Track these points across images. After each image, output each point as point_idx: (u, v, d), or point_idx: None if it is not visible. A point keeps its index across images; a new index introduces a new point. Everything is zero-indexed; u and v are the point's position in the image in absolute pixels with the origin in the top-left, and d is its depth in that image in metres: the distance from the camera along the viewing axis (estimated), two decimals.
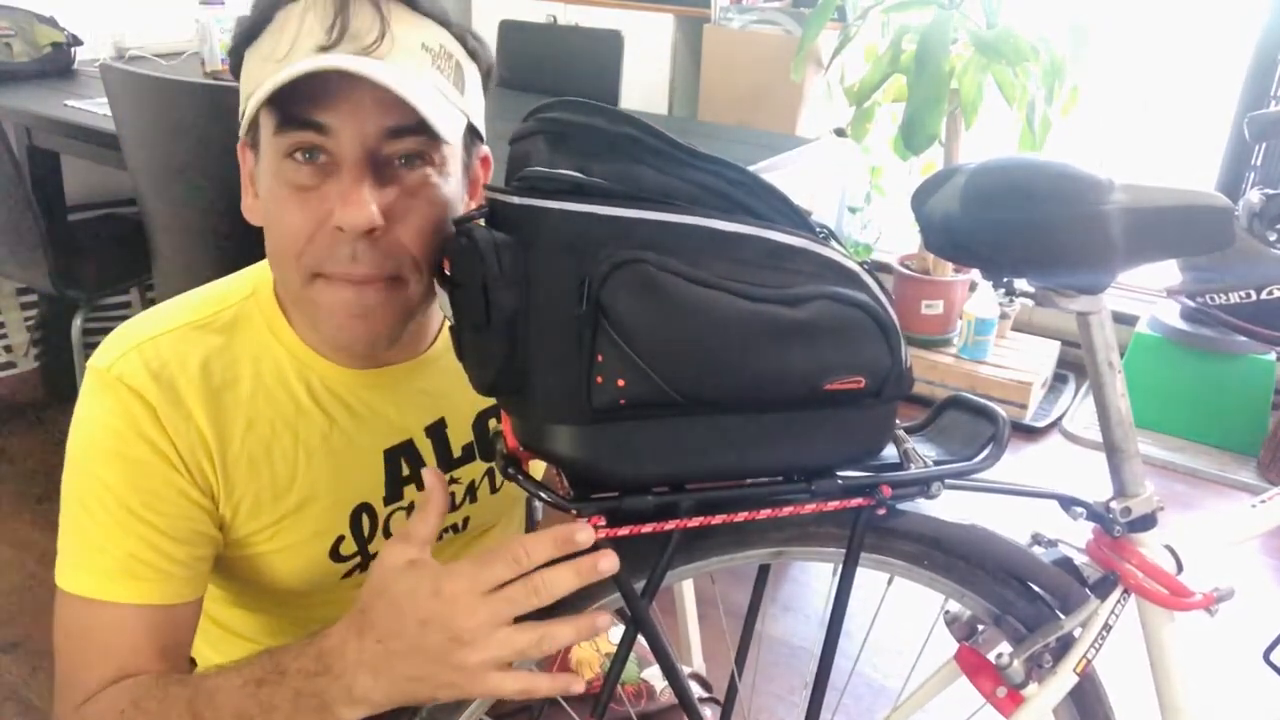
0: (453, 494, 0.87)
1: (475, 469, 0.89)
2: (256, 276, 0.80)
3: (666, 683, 1.02)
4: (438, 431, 0.85)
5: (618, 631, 1.05)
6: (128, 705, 0.69)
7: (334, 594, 0.85)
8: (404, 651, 0.60)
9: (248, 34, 0.70)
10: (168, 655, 0.74)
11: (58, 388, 2.55)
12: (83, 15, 2.53)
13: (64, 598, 0.73)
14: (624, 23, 2.94)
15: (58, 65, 2.43)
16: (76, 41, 2.47)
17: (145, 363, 0.73)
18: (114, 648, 0.72)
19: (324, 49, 0.65)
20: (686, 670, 1.08)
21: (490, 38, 2.86)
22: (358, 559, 0.83)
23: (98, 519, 0.72)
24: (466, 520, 0.90)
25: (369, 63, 0.64)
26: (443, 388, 0.84)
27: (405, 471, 0.84)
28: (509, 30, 2.84)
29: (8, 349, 2.56)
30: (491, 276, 0.56)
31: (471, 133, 0.75)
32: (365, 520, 0.83)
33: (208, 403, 0.74)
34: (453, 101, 0.70)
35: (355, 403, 0.80)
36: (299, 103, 0.65)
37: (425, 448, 0.85)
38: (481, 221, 0.62)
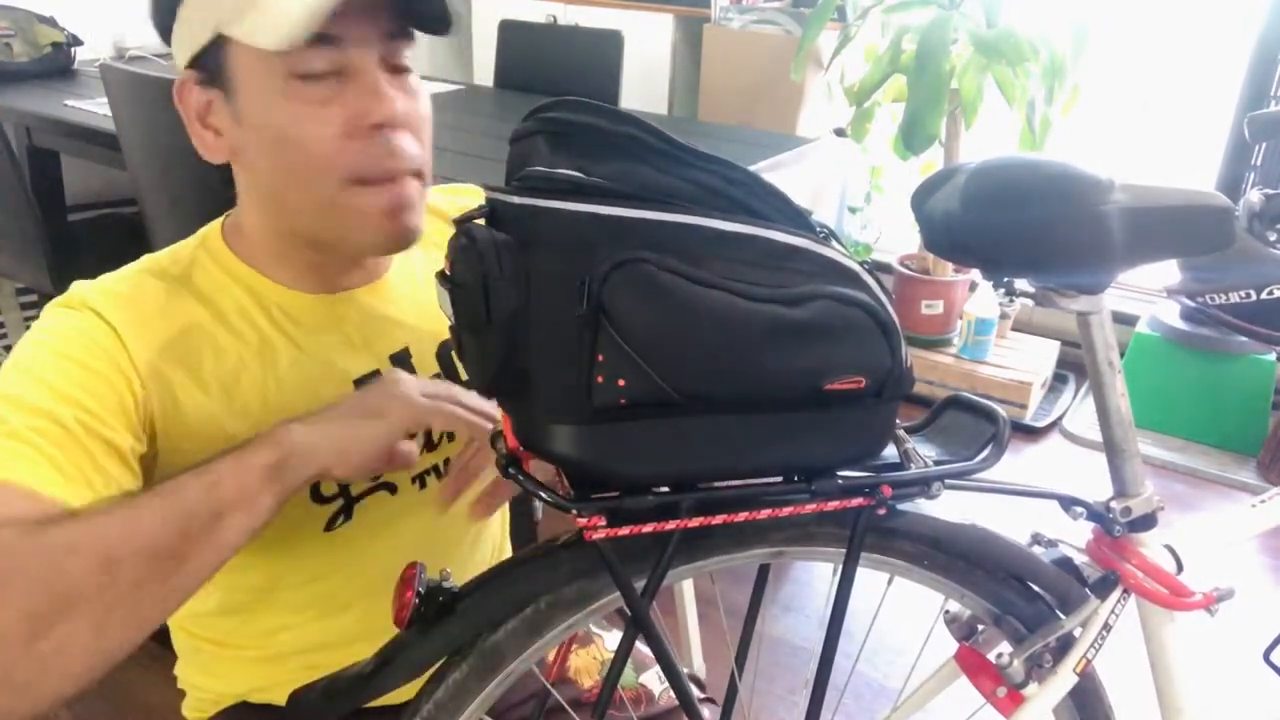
0: (428, 431, 0.87)
1: None
2: (203, 233, 0.82)
3: (664, 686, 1.02)
4: (403, 361, 0.85)
5: (616, 638, 1.05)
6: (25, 526, 0.58)
7: (320, 553, 0.84)
8: (339, 411, 0.71)
9: None
10: None
11: None
12: (83, 15, 2.53)
13: None
14: (624, 23, 2.94)
15: (58, 65, 2.43)
16: (76, 41, 2.47)
17: (108, 294, 0.74)
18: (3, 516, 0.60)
19: None
20: (684, 672, 1.08)
21: (490, 38, 2.87)
22: (339, 501, 0.83)
23: (22, 407, 0.65)
24: (447, 462, 0.89)
25: None
26: (402, 316, 0.85)
27: None
28: (509, 30, 2.84)
29: (8, 349, 2.56)
30: (492, 276, 0.56)
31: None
32: None
33: (168, 330, 0.74)
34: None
35: (318, 328, 0.81)
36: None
37: None
38: (482, 221, 0.62)
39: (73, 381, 0.68)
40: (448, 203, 0.93)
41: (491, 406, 0.74)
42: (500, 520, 1.03)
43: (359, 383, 0.82)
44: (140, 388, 0.71)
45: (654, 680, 1.02)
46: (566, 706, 0.87)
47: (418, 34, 0.74)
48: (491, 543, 1.01)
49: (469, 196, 0.96)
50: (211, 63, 0.72)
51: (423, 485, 0.88)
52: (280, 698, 0.88)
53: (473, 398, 0.74)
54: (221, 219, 0.82)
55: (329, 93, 0.70)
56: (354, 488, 0.84)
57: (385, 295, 0.85)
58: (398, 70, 0.73)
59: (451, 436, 0.90)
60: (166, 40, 0.76)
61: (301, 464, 0.67)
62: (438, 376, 0.88)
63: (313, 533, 0.83)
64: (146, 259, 0.80)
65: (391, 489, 0.86)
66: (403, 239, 0.76)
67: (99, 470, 0.66)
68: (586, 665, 1.01)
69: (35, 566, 0.57)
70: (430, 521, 0.88)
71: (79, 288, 0.75)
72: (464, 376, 0.89)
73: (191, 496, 0.63)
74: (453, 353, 0.87)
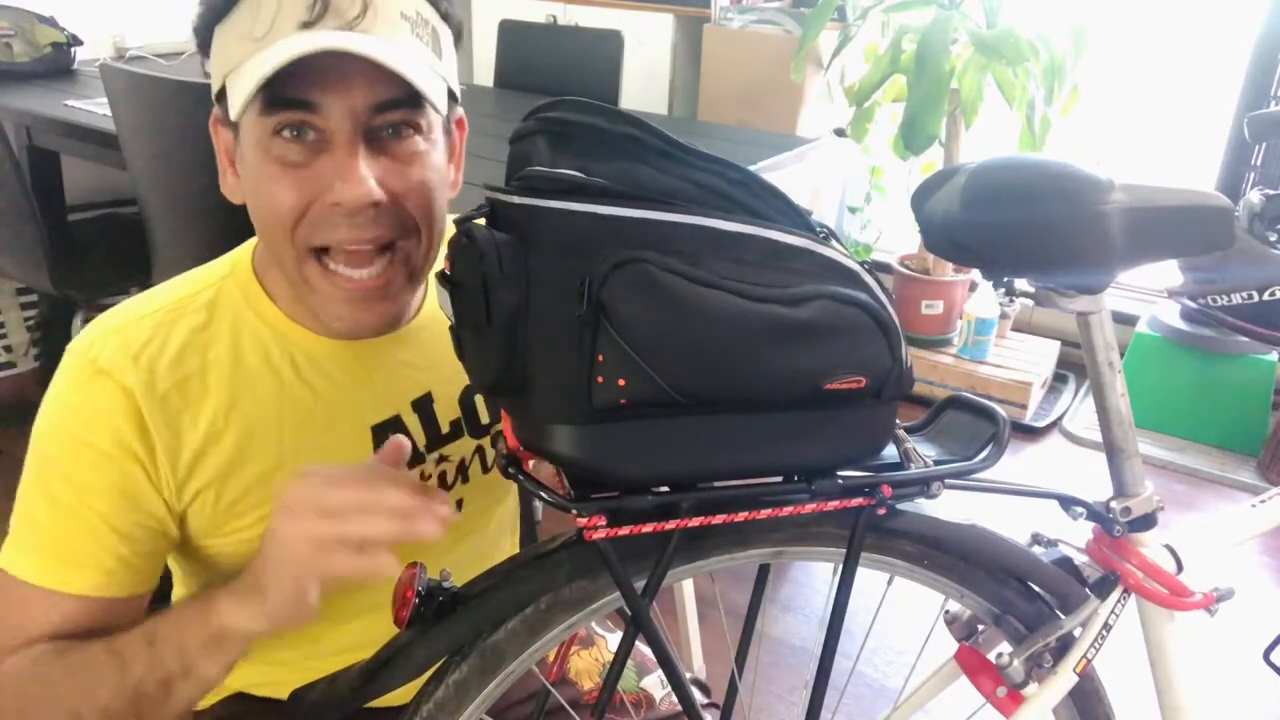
0: (444, 473, 0.87)
1: (465, 445, 0.88)
2: (234, 257, 0.80)
3: (665, 691, 1.02)
4: (424, 407, 0.85)
5: (617, 640, 1.05)
6: (43, 655, 0.70)
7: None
8: (253, 577, 0.67)
9: (218, 10, 0.70)
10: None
11: None
12: (83, 15, 2.53)
13: (2, 577, 0.73)
14: (624, 23, 2.94)
15: (58, 65, 2.43)
16: (76, 41, 2.47)
17: (125, 345, 0.73)
18: (39, 626, 0.72)
19: (306, 25, 0.66)
20: (686, 676, 1.08)
21: (490, 38, 2.87)
22: None
23: (45, 503, 0.72)
24: (460, 502, 0.89)
25: (357, 38, 0.65)
26: (427, 361, 0.84)
27: None
28: (509, 30, 2.84)
29: (8, 349, 2.56)
30: (492, 276, 0.56)
31: (449, 96, 0.76)
32: None
33: (188, 385, 0.74)
34: (433, 68, 0.71)
35: (339, 375, 0.80)
36: (286, 82, 0.65)
37: (413, 423, 0.84)
38: (482, 221, 0.62)
39: (84, 467, 0.71)
40: None
41: (414, 495, 0.64)
42: (510, 542, 1.03)
43: (377, 430, 0.82)
44: (148, 457, 0.73)
45: (656, 685, 1.02)
46: (567, 707, 0.87)
47: None
48: (507, 545, 1.01)
49: None
50: (226, 105, 0.71)
51: None
52: (277, 692, 0.88)
53: (391, 495, 0.64)
54: (253, 245, 0.80)
55: (303, 158, 0.68)
56: None
57: (412, 340, 0.83)
58: (395, 136, 0.70)
59: (466, 477, 0.89)
60: (207, 59, 0.75)
61: (236, 639, 0.68)
62: (458, 421, 0.87)
63: None
64: (173, 288, 0.78)
65: None
66: (375, 327, 0.74)
67: (119, 555, 0.73)
68: (588, 667, 1.01)
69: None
70: (436, 543, 0.88)
71: (92, 337, 0.74)
72: (484, 420, 0.88)
73: (139, 671, 0.68)
74: (476, 395, 0.87)
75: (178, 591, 0.87)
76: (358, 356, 0.80)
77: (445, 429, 0.86)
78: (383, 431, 0.82)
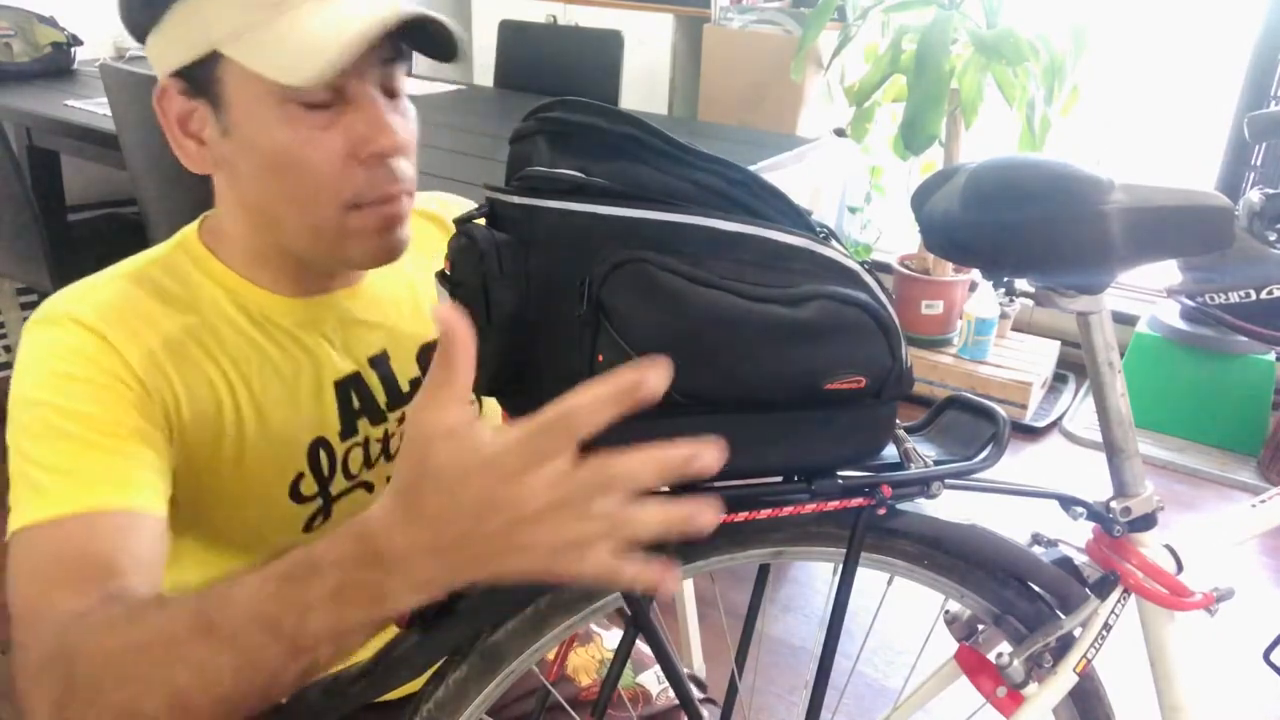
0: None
1: None
2: (178, 235, 0.81)
3: (662, 687, 1.02)
4: (382, 365, 0.85)
5: (614, 637, 1.05)
6: (120, 617, 0.57)
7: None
8: (463, 535, 0.49)
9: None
10: (143, 570, 0.64)
11: None
12: (83, 15, 2.53)
13: (16, 540, 0.64)
14: (624, 23, 2.94)
15: (58, 65, 2.43)
16: (76, 41, 2.47)
17: (84, 299, 0.73)
18: (84, 564, 0.62)
19: None
20: (684, 672, 1.08)
21: (490, 38, 2.87)
22: (318, 501, 0.82)
23: (44, 443, 0.66)
24: None
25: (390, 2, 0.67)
26: (380, 319, 0.84)
27: (356, 404, 0.83)
28: (509, 30, 2.84)
29: (8, 349, 2.55)
30: (492, 276, 0.57)
31: None
32: (323, 457, 0.82)
33: (151, 330, 0.73)
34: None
35: (296, 330, 0.80)
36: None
37: (372, 380, 0.84)
38: (482, 221, 0.62)
39: (79, 398, 0.68)
40: (432, 205, 0.93)
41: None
42: None
43: (339, 385, 0.82)
44: (143, 390, 0.71)
45: (652, 681, 1.02)
46: (566, 705, 0.87)
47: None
48: None
49: (443, 205, 0.96)
50: (200, 75, 0.71)
51: None
52: None
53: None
54: (197, 221, 0.82)
55: (328, 119, 0.69)
56: (334, 486, 0.83)
57: (365, 298, 0.84)
58: (393, 94, 0.73)
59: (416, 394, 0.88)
60: (140, 39, 0.75)
61: (376, 604, 0.53)
62: (418, 379, 0.86)
63: (293, 533, 0.82)
64: (122, 264, 0.79)
65: (369, 488, 0.85)
66: (394, 253, 0.76)
67: (137, 466, 0.68)
68: (585, 663, 1.01)
69: (110, 697, 0.54)
70: None
71: (57, 302, 0.73)
72: None
73: (272, 663, 0.54)
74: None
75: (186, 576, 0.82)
76: (314, 312, 0.81)
77: (405, 388, 0.86)
78: (344, 388, 0.82)
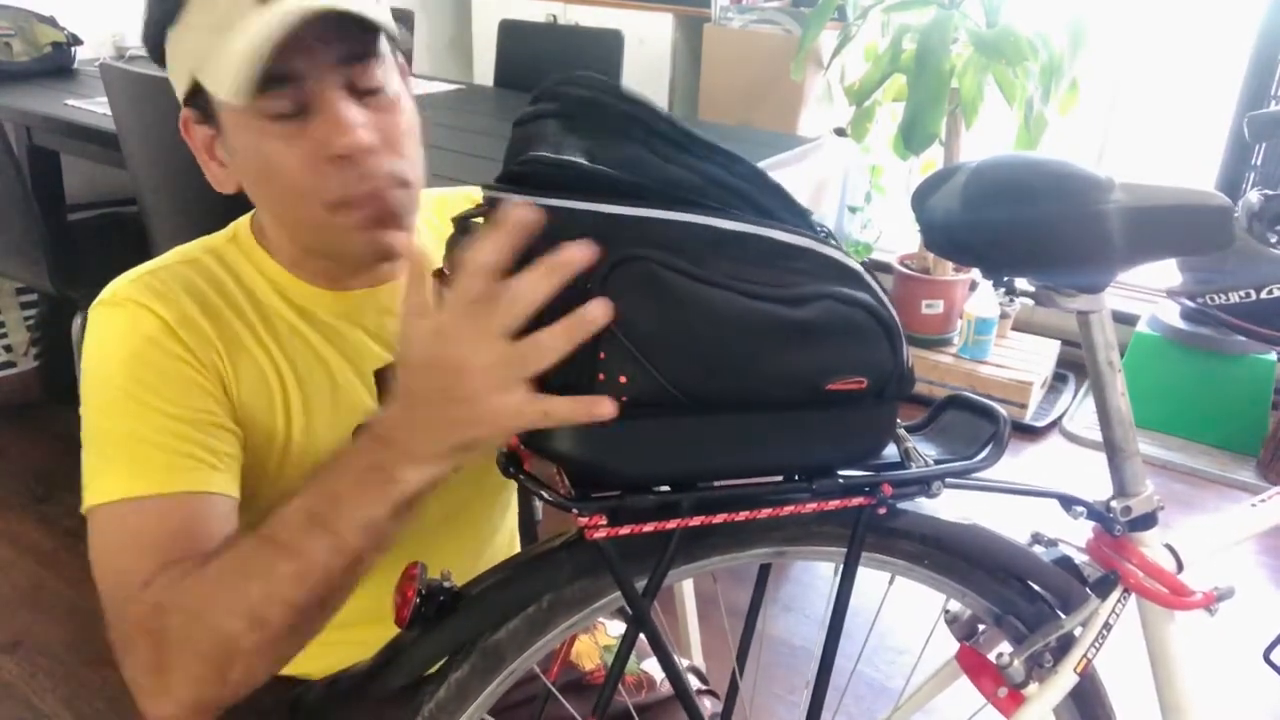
0: None
1: None
2: (233, 228, 0.84)
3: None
4: (394, 376, 0.85)
5: (618, 626, 1.05)
6: (196, 565, 0.65)
7: None
8: (433, 402, 0.58)
9: (168, 11, 0.71)
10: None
11: (58, 388, 2.55)
12: (83, 15, 2.53)
13: (95, 515, 0.70)
14: (624, 23, 2.94)
15: (58, 65, 2.43)
16: (76, 41, 2.47)
17: (148, 286, 0.76)
18: (159, 540, 0.68)
19: (262, 1, 0.67)
20: (685, 664, 1.08)
21: (490, 38, 2.87)
22: None
23: (120, 423, 0.72)
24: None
25: None
26: None
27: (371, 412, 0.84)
28: (509, 30, 2.84)
29: (8, 349, 2.56)
30: None
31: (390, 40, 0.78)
32: None
33: (211, 320, 0.77)
34: (379, 14, 0.72)
35: (336, 322, 0.82)
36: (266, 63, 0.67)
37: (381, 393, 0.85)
38: (481, 220, 0.62)
39: (151, 380, 0.72)
40: (458, 202, 0.93)
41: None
42: (508, 537, 1.03)
43: (378, 374, 0.84)
44: (207, 372, 0.75)
45: (656, 668, 1.02)
46: (564, 702, 0.87)
47: (417, 35, 0.74)
48: (506, 538, 1.01)
49: (471, 201, 0.96)
50: (200, 102, 0.73)
51: None
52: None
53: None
54: (250, 214, 0.84)
55: (296, 128, 0.70)
56: None
57: (393, 296, 0.85)
58: (368, 91, 0.72)
59: None
60: (161, 66, 0.77)
61: (418, 488, 0.62)
62: None
63: None
64: (178, 251, 0.82)
65: None
66: (391, 248, 0.76)
67: (210, 448, 0.73)
68: (588, 649, 1.01)
69: (199, 627, 0.63)
70: (436, 520, 0.88)
71: (120, 286, 0.77)
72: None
73: (320, 558, 0.62)
74: None
75: None
76: (354, 305, 0.83)
77: None
78: (384, 377, 0.84)
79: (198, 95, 0.73)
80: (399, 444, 0.61)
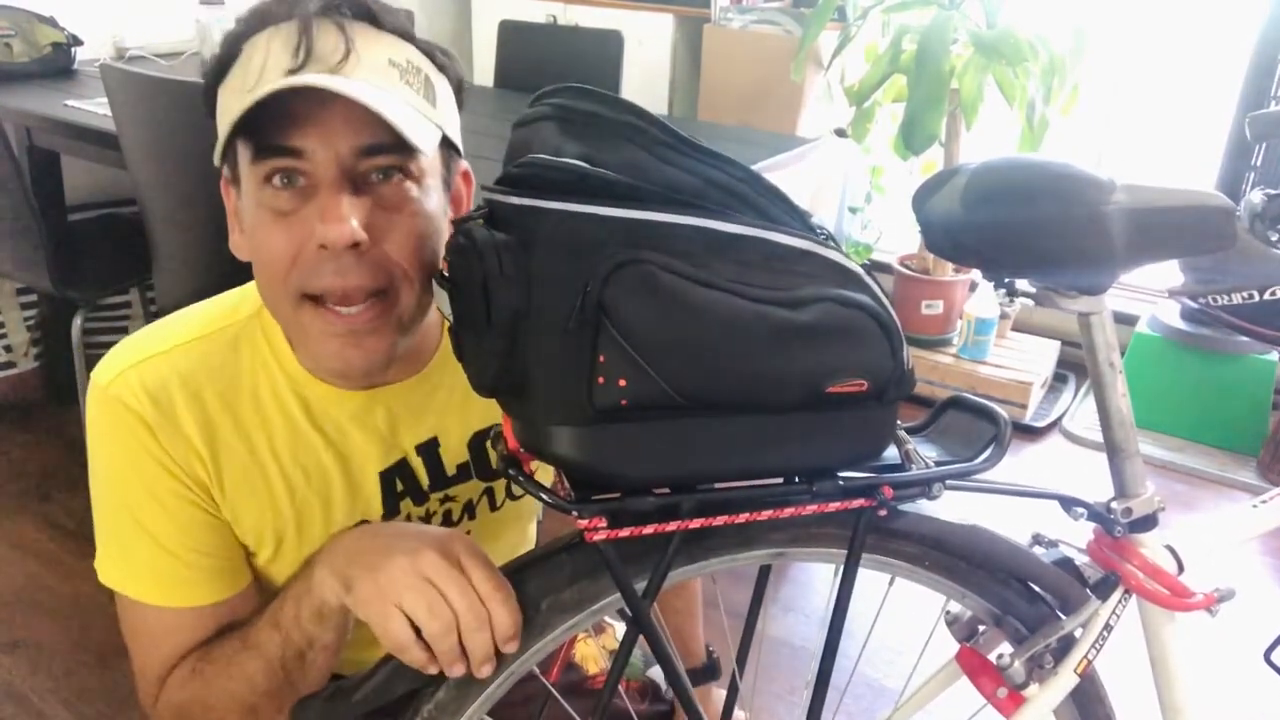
0: (449, 510, 0.88)
1: (472, 488, 0.89)
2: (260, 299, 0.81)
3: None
4: (429, 450, 0.85)
5: (624, 627, 1.05)
6: (195, 661, 0.77)
7: None
8: (356, 551, 0.69)
9: (217, 72, 0.71)
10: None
11: (58, 388, 2.55)
12: (83, 15, 2.53)
13: (123, 600, 0.79)
14: (624, 23, 2.94)
15: (58, 65, 2.43)
16: (76, 41, 2.46)
17: (143, 382, 0.74)
18: (173, 640, 0.78)
19: (291, 72, 0.65)
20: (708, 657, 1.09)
21: (490, 38, 2.87)
22: None
23: (129, 514, 0.76)
24: (469, 502, 0.90)
25: (337, 79, 0.65)
26: (437, 406, 0.84)
27: (400, 488, 0.84)
28: (509, 30, 2.84)
29: (8, 349, 2.55)
30: (491, 276, 0.56)
31: (449, 147, 0.75)
32: None
33: (204, 427, 0.76)
34: (425, 114, 0.70)
35: (349, 425, 0.81)
36: (272, 129, 0.66)
37: (417, 465, 0.85)
38: (480, 222, 0.62)
39: (145, 495, 0.76)
40: None
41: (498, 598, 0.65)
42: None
43: (384, 475, 0.83)
44: (185, 476, 0.76)
45: (661, 674, 1.02)
46: (569, 709, 0.87)
47: (417, 31, 0.73)
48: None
49: None
50: (229, 163, 0.72)
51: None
52: None
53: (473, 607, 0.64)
54: None
55: (292, 205, 0.69)
56: None
57: (422, 389, 0.83)
58: (383, 177, 0.69)
59: (473, 515, 0.90)
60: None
61: (335, 612, 0.72)
62: (465, 465, 0.87)
63: None
64: (201, 314, 0.80)
65: None
66: (364, 369, 0.73)
67: (208, 554, 0.78)
68: (593, 653, 1.01)
69: None
70: None
71: (113, 370, 0.76)
72: (494, 465, 0.87)
73: (275, 652, 0.73)
74: (487, 443, 0.87)
75: None
76: (367, 406, 0.81)
77: (451, 471, 0.87)
78: (389, 475, 0.83)
79: (228, 155, 0.71)
80: (322, 558, 0.71)
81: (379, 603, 0.64)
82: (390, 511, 0.84)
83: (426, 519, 0.86)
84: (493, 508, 0.90)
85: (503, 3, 3.25)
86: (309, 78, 0.64)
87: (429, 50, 0.73)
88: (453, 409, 0.85)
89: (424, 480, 0.85)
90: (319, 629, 0.72)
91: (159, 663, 0.78)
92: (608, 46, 2.63)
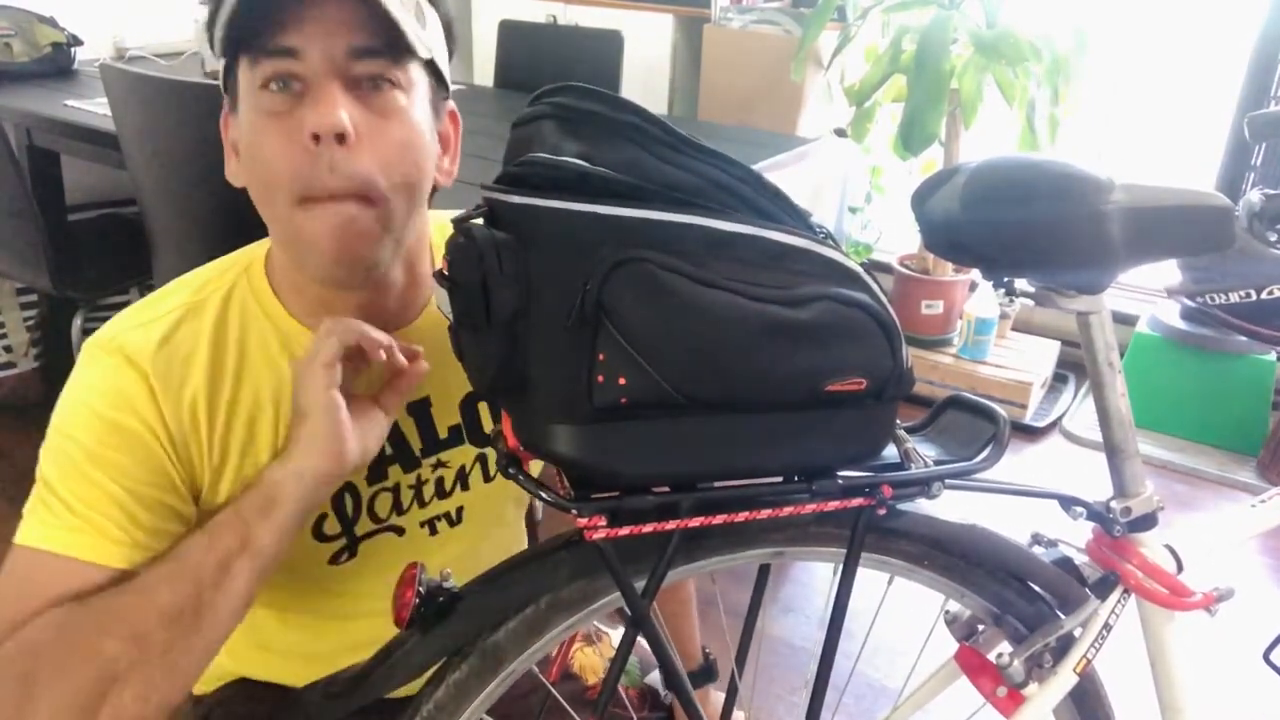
0: (441, 479, 0.87)
1: (465, 453, 0.88)
2: (250, 255, 0.82)
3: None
4: (420, 410, 0.85)
5: (620, 635, 1.05)
6: (72, 603, 0.67)
7: (322, 582, 0.85)
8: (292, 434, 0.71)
9: (213, 3, 0.71)
10: None
11: (58, 388, 2.53)
12: (83, 15, 2.53)
13: (15, 552, 0.70)
14: (624, 23, 2.94)
15: (58, 65, 2.43)
16: (76, 41, 2.47)
17: (146, 337, 0.74)
18: (58, 589, 0.68)
19: None
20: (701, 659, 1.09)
21: (490, 38, 2.87)
22: (342, 540, 0.83)
23: (67, 477, 0.71)
24: (460, 510, 0.90)
25: None
26: (429, 361, 0.83)
27: (388, 450, 0.83)
28: (509, 30, 2.84)
29: (8, 349, 2.55)
30: (491, 275, 0.56)
31: (436, 78, 0.77)
32: (348, 500, 0.83)
33: (200, 377, 0.75)
34: (415, 31, 0.71)
35: None
36: (267, 31, 0.68)
37: (408, 426, 0.84)
38: (480, 221, 0.62)
39: (110, 445, 0.71)
40: None
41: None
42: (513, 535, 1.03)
43: None
44: (169, 442, 0.74)
45: (660, 681, 1.02)
46: (568, 708, 0.87)
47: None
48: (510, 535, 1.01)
49: None
50: (229, 82, 0.74)
51: (433, 531, 0.89)
52: (279, 678, 0.89)
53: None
54: (266, 245, 0.82)
55: (287, 107, 0.70)
56: (359, 528, 0.84)
57: (416, 338, 0.82)
58: (373, 85, 0.71)
59: (465, 485, 0.89)
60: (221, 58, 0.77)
61: (289, 490, 0.69)
62: (457, 428, 0.87)
63: (316, 566, 0.84)
64: (188, 286, 0.80)
65: (399, 531, 0.86)
66: (347, 266, 0.73)
67: (143, 527, 0.71)
68: (593, 663, 1.01)
69: (75, 656, 0.63)
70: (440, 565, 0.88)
71: (118, 328, 0.76)
72: (488, 429, 0.88)
73: (195, 557, 0.67)
74: (479, 403, 0.87)
75: None
76: None
77: (443, 434, 0.86)
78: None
79: (229, 74, 0.73)
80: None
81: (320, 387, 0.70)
82: (376, 475, 0.83)
83: (417, 487, 0.86)
84: (486, 478, 0.90)
85: (503, 3, 3.25)
86: None
87: None
88: (444, 369, 0.84)
89: (415, 443, 0.85)
90: (259, 521, 0.68)
91: (26, 610, 0.66)
92: (608, 46, 2.63)
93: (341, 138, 0.68)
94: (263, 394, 0.78)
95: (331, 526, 0.83)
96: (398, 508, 0.85)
